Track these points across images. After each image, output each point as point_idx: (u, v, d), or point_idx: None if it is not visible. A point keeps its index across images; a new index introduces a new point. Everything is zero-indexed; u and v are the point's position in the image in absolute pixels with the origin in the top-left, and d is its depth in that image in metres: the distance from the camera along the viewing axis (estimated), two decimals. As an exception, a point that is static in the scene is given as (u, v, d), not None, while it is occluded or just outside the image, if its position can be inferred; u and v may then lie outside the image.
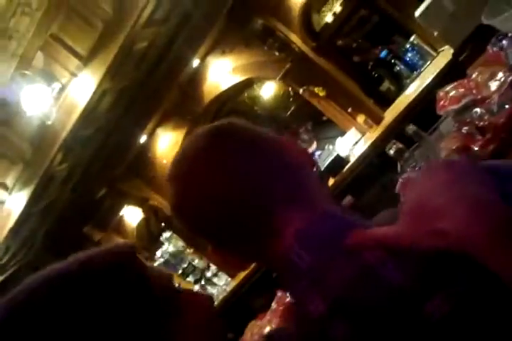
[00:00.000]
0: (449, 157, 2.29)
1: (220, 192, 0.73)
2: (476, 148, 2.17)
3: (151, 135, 5.90)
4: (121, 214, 6.81)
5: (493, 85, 2.19)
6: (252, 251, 0.76)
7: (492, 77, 2.22)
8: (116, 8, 3.84)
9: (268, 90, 6.49)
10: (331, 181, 5.16)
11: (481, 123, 2.26)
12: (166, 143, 5.93)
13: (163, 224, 6.53)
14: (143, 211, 6.63)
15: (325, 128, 6.59)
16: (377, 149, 4.62)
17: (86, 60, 4.29)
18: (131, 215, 6.82)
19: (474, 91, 2.35)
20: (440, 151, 2.41)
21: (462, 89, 2.54)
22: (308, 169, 0.81)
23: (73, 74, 4.44)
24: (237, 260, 0.79)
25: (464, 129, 2.39)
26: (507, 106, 2.07)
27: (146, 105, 5.31)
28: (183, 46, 4.81)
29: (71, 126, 4.66)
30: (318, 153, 6.24)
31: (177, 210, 0.78)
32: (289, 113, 6.77)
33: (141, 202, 6.49)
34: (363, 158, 4.92)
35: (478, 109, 2.32)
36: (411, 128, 2.35)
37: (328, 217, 0.73)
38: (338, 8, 5.59)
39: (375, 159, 4.68)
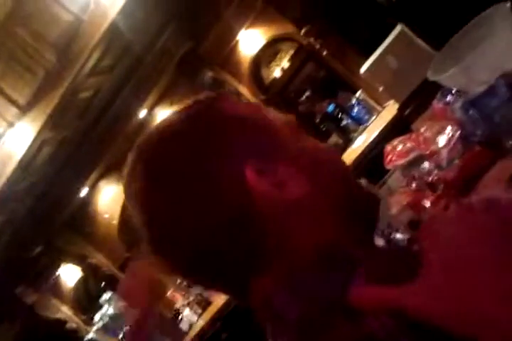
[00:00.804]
0: (399, 212, 2.22)
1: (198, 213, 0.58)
2: (427, 204, 2.11)
3: (93, 188, 5.65)
4: (57, 273, 6.38)
5: (442, 140, 2.16)
6: (229, 287, 0.62)
7: (440, 131, 2.21)
8: (61, 57, 3.70)
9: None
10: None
11: (431, 179, 2.22)
12: (109, 197, 5.68)
13: (103, 284, 6.15)
14: (81, 270, 6.23)
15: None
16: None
17: (25, 109, 4.09)
18: (69, 274, 6.39)
19: (423, 146, 2.33)
20: (390, 206, 2.35)
21: (410, 144, 2.52)
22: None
23: (10, 124, 4.21)
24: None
25: (414, 185, 2.35)
26: (456, 162, 2.04)
27: (89, 156, 5.10)
28: (130, 96, 4.71)
29: (6, 178, 4.38)
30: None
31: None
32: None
33: (80, 260, 6.10)
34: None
35: (426, 164, 2.29)
36: (361, 182, 2.27)
37: (331, 253, 0.57)
38: (286, 63, 5.72)
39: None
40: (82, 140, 4.91)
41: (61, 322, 5.22)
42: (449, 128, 2.12)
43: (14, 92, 4.12)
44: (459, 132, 2.02)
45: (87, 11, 3.53)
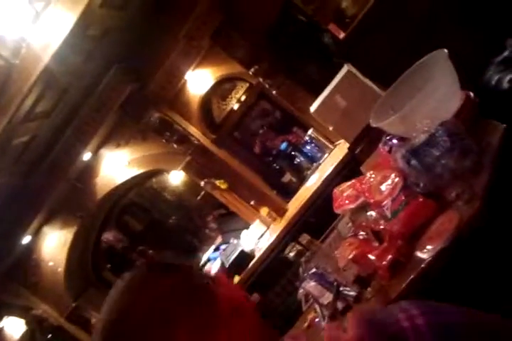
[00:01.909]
0: (346, 267, 2.11)
1: None
2: (373, 258, 2.00)
3: (36, 234, 5.36)
4: (0, 326, 5.95)
5: (385, 189, 2.08)
6: None
7: (383, 180, 2.13)
8: (-9, 103, 3.52)
9: (177, 176, 6.30)
10: (236, 279, 4.88)
11: (377, 228, 2.13)
12: (53, 243, 5.40)
13: (49, 336, 5.78)
14: (26, 322, 5.85)
15: (232, 219, 6.42)
16: (280, 246, 4.46)
17: (-45, 156, 3.86)
18: (13, 327, 5.97)
19: (367, 194, 2.24)
20: (336, 259, 2.25)
21: (356, 190, 2.45)
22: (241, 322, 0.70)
23: None
24: None
25: (361, 234, 2.25)
26: (400, 213, 1.94)
27: (29, 202, 4.84)
28: (72, 139, 4.52)
29: None
30: (223, 247, 5.98)
31: None
32: (198, 198, 6.59)
33: (24, 312, 5.73)
34: (267, 254, 4.72)
35: (373, 212, 2.20)
36: (305, 237, 2.17)
37: None
38: (237, 103, 5.69)
39: (279, 255, 4.50)
40: (21, 186, 4.66)
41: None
42: (392, 177, 2.05)
43: None
44: (401, 182, 1.95)
45: (18, 55, 3.38)
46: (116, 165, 5.26)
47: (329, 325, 0.63)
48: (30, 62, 3.38)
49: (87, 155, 5.02)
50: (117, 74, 4.45)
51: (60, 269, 5.44)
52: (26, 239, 5.32)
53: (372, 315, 0.59)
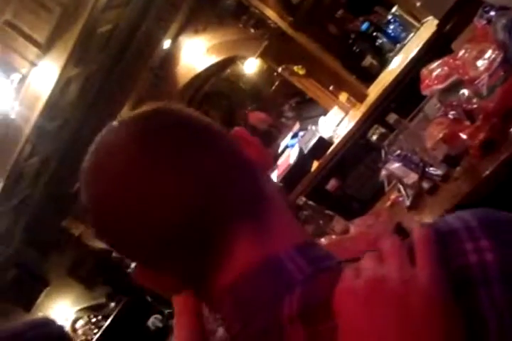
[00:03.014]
0: (435, 147, 2.09)
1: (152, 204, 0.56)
2: (464, 136, 1.97)
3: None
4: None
5: (482, 65, 1.96)
6: (186, 279, 0.60)
7: (480, 55, 2.00)
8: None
9: (252, 65, 6.21)
10: (315, 164, 4.98)
11: (469, 107, 2.06)
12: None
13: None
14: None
15: (309, 106, 6.39)
16: (360, 130, 4.42)
17: (45, 48, 3.99)
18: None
19: (461, 71, 2.13)
20: (425, 139, 2.22)
21: (448, 68, 2.32)
22: (268, 177, 0.65)
23: (33, 64, 4.13)
24: (172, 284, 0.61)
25: (451, 114, 2.19)
26: (497, 89, 1.85)
27: (117, 90, 5.02)
28: (152, 27, 4.52)
29: (36, 118, 4.37)
30: (301, 133, 6.03)
31: (97, 228, 0.62)
32: (273, 88, 6.56)
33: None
34: (346, 139, 4.71)
35: (465, 91, 2.11)
36: (392, 116, 2.14)
37: (283, 264, 0.55)
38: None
39: (359, 140, 4.49)
40: (108, 75, 4.81)
41: (107, 252, 5.42)
42: (490, 51, 1.92)
43: (32, 31, 4.00)
44: (501, 55, 1.83)
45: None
46: (195, 53, 5.25)
47: (395, 249, 0.51)
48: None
49: (167, 43, 5.03)
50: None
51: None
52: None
53: (440, 241, 0.49)
